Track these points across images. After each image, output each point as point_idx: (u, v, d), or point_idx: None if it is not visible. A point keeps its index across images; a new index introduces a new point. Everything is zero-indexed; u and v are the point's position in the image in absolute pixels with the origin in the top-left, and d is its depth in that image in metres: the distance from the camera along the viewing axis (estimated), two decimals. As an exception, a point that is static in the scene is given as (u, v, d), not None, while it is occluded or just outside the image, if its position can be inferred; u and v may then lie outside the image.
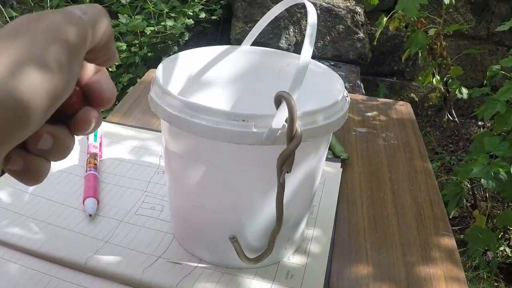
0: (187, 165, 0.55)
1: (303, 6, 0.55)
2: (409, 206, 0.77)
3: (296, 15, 2.40)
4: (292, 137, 0.46)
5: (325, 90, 0.63)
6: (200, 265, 0.61)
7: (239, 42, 0.68)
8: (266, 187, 0.54)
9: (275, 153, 0.48)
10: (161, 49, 2.27)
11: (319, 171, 0.60)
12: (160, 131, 0.89)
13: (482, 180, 1.39)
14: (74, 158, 0.81)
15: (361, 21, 2.43)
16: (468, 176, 1.56)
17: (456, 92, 1.84)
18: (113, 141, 0.87)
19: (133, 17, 2.20)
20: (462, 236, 1.81)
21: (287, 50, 2.39)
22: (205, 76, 0.70)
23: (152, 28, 2.16)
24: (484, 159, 1.44)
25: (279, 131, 0.48)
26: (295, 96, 0.47)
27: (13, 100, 0.25)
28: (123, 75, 2.18)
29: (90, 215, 0.67)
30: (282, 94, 0.47)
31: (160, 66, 0.60)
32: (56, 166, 0.78)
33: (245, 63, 0.71)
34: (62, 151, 0.32)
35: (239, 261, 0.58)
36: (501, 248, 1.83)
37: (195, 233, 0.61)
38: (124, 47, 2.16)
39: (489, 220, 1.86)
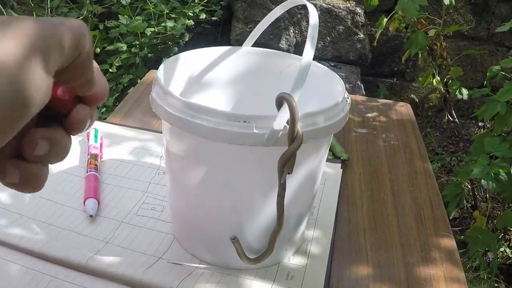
0: (188, 166, 0.56)
1: (304, 7, 0.55)
2: (409, 207, 0.77)
3: (296, 16, 2.40)
4: (293, 138, 0.47)
5: (325, 91, 0.63)
6: (200, 266, 0.61)
7: (239, 43, 0.68)
8: (266, 188, 0.54)
9: (276, 154, 0.48)
10: (162, 50, 2.27)
11: (319, 172, 0.60)
12: (160, 132, 0.90)
13: (482, 181, 1.39)
14: (75, 159, 0.81)
15: (361, 22, 2.43)
16: (468, 177, 1.56)
17: (456, 93, 1.84)
18: (114, 142, 0.87)
19: (133, 18, 2.20)
20: (462, 237, 1.81)
21: (288, 51, 2.39)
22: (206, 77, 0.70)
23: (152, 29, 2.16)
24: (484, 160, 1.44)
25: (280, 133, 0.48)
26: (296, 97, 0.47)
27: (22, 96, 0.24)
28: (123, 76, 2.18)
29: (91, 216, 0.67)
30: (284, 96, 0.47)
31: (161, 67, 0.60)
32: (57, 167, 0.78)
33: (246, 64, 0.71)
34: (60, 153, 0.31)
35: (239, 262, 0.58)
36: (502, 249, 1.83)
37: (196, 234, 0.61)
38: (125, 48, 2.16)
39: (490, 221, 1.87)
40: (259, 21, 0.66)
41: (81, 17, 2.18)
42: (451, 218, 1.96)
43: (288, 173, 0.48)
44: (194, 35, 2.44)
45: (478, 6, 2.53)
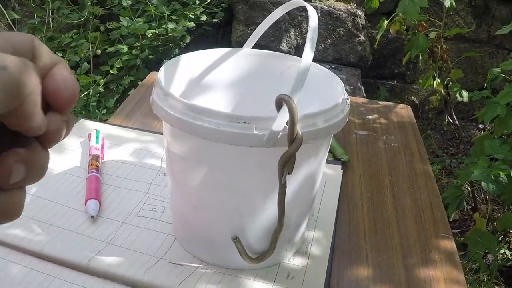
0: (189, 167, 0.56)
1: (304, 9, 0.56)
2: (409, 208, 0.78)
3: (297, 18, 2.41)
4: (293, 139, 0.47)
5: (325, 92, 0.63)
6: (201, 266, 0.61)
7: (240, 44, 0.68)
8: (267, 189, 0.54)
9: (276, 155, 0.49)
10: (162, 51, 2.27)
11: (319, 173, 0.61)
12: (161, 133, 0.90)
13: (483, 183, 1.39)
14: (76, 159, 0.81)
15: (361, 24, 2.43)
16: (469, 179, 1.56)
17: (457, 95, 1.84)
18: (115, 143, 0.87)
19: (134, 19, 2.20)
20: (462, 239, 1.81)
21: (288, 53, 2.39)
22: (207, 79, 0.70)
23: (153, 31, 2.17)
24: (485, 162, 1.44)
25: (280, 134, 0.48)
26: (296, 99, 0.47)
27: None
28: (124, 77, 2.18)
29: (92, 217, 0.67)
30: (283, 97, 0.47)
31: (162, 68, 0.60)
32: (58, 167, 0.78)
33: (247, 65, 0.71)
34: (38, 174, 0.27)
35: (240, 262, 0.59)
36: (501, 251, 1.83)
37: (197, 234, 0.62)
38: (126, 49, 2.17)
39: (489, 223, 1.87)
40: (260, 23, 0.66)
41: (82, 19, 2.18)
42: (451, 220, 1.97)
43: (288, 174, 0.49)
44: (195, 37, 2.44)
45: (479, 9, 2.53)
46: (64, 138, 0.29)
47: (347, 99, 0.58)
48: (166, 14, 2.21)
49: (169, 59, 0.62)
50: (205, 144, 0.52)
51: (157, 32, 2.18)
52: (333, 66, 2.43)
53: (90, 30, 2.18)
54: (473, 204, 2.01)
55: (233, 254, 0.58)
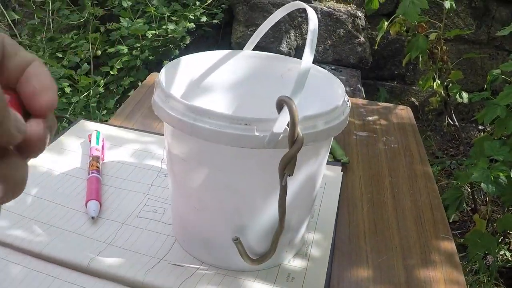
0: (190, 168, 0.56)
1: (304, 10, 0.55)
2: (409, 209, 0.78)
3: (297, 19, 2.41)
4: (294, 141, 0.47)
5: (326, 94, 0.63)
6: (201, 267, 0.61)
7: (240, 46, 0.68)
8: (268, 190, 0.55)
9: (277, 157, 0.49)
10: (162, 52, 2.27)
11: (320, 175, 0.61)
12: (162, 135, 0.90)
13: (482, 184, 1.39)
14: (77, 160, 0.81)
15: (361, 26, 2.43)
16: (468, 180, 1.56)
17: (457, 96, 1.84)
18: (115, 144, 0.87)
19: (134, 20, 2.21)
20: (462, 240, 1.81)
21: (288, 54, 2.40)
22: (207, 80, 0.70)
23: (153, 32, 2.17)
24: (484, 164, 1.44)
25: (281, 135, 0.48)
26: (296, 101, 0.47)
27: None
28: (124, 78, 2.18)
29: (93, 218, 0.67)
30: (284, 99, 0.47)
31: (163, 70, 0.60)
32: (58, 168, 0.78)
33: (247, 67, 0.72)
34: (16, 190, 0.24)
35: (240, 264, 0.59)
36: (501, 252, 1.83)
37: (197, 235, 0.62)
38: (126, 50, 2.17)
39: (489, 224, 1.87)
40: (260, 24, 0.66)
41: (82, 19, 2.19)
42: (451, 221, 1.97)
43: (289, 175, 0.49)
44: (195, 38, 2.44)
45: (479, 10, 2.54)
46: (48, 145, 0.26)
47: (348, 101, 0.58)
48: (166, 15, 2.21)
49: (169, 60, 0.62)
50: (206, 146, 0.52)
51: (157, 33, 2.18)
52: (333, 67, 2.43)
53: (90, 31, 2.18)
54: (473, 206, 2.01)
55: (233, 255, 0.58)
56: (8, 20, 2.15)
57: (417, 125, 1.08)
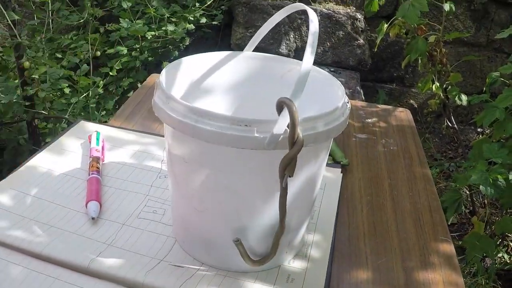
0: (191, 169, 0.56)
1: (304, 12, 0.56)
2: (408, 211, 0.78)
3: (296, 21, 2.41)
4: (294, 142, 0.47)
5: (326, 96, 0.64)
6: (201, 268, 0.61)
7: (239, 47, 0.69)
8: (268, 191, 0.55)
9: (277, 158, 0.49)
10: (162, 53, 2.27)
11: (319, 176, 0.61)
12: (162, 136, 0.90)
13: (481, 186, 1.39)
14: (77, 161, 0.81)
15: (361, 28, 2.44)
16: (467, 183, 1.56)
17: (456, 99, 1.84)
18: (115, 145, 0.87)
19: (134, 21, 2.21)
20: (460, 242, 1.81)
21: (288, 55, 2.40)
22: (208, 82, 0.70)
23: (153, 33, 2.17)
24: (483, 166, 1.44)
25: (281, 137, 0.49)
26: (296, 102, 0.48)
27: None
28: (123, 79, 2.18)
29: (93, 218, 0.68)
30: (284, 101, 0.47)
31: (163, 71, 0.61)
32: (58, 169, 0.78)
33: (247, 69, 0.72)
34: None
35: (240, 265, 0.59)
36: (499, 255, 1.84)
37: (197, 236, 0.62)
38: (125, 51, 2.17)
39: (488, 227, 1.87)
40: (260, 26, 0.67)
41: (82, 20, 2.18)
42: (449, 223, 1.97)
43: (289, 177, 0.49)
44: (194, 39, 2.44)
45: (478, 13, 2.54)
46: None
47: (347, 102, 0.58)
48: (166, 16, 2.21)
49: (168, 61, 0.63)
50: (207, 147, 0.52)
51: (156, 34, 2.18)
52: (332, 69, 2.43)
53: (90, 32, 2.18)
54: (471, 208, 2.01)
55: (234, 256, 0.58)
56: (7, 21, 2.15)
57: (416, 128, 1.08)
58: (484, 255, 1.71)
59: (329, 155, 0.87)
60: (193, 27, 2.27)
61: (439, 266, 0.67)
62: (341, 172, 0.85)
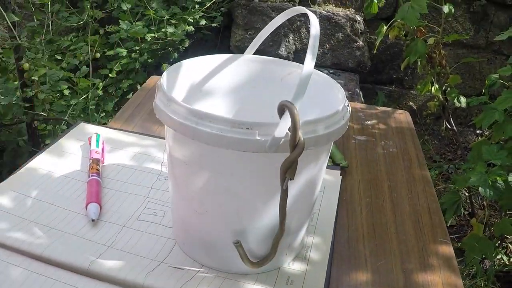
0: (191, 171, 0.56)
1: (303, 14, 0.56)
2: (408, 213, 0.78)
3: (296, 23, 2.41)
4: (295, 145, 0.47)
5: (326, 99, 0.64)
6: (201, 270, 0.62)
7: (239, 49, 0.69)
8: (269, 194, 0.55)
9: (278, 161, 0.49)
10: (161, 55, 2.27)
11: (320, 179, 0.61)
12: (161, 138, 0.91)
13: (480, 188, 1.39)
14: (77, 163, 0.82)
15: (360, 30, 2.44)
16: (466, 185, 1.56)
17: (455, 101, 1.84)
18: (115, 147, 0.87)
19: (133, 23, 2.21)
20: (459, 244, 1.81)
21: (287, 58, 2.40)
22: (208, 84, 0.71)
23: (152, 35, 2.17)
24: (482, 168, 1.44)
25: (282, 140, 0.49)
26: (297, 106, 0.48)
27: None
28: (123, 81, 2.18)
29: (93, 220, 0.68)
30: (286, 104, 0.48)
31: (164, 74, 0.61)
32: (58, 171, 0.79)
33: (248, 71, 0.72)
34: None
35: (240, 267, 0.59)
36: (498, 256, 1.84)
37: (197, 238, 0.62)
38: (125, 53, 2.17)
39: (487, 229, 1.87)
40: (259, 28, 0.67)
41: (81, 22, 2.19)
42: (448, 225, 1.97)
43: (290, 179, 0.49)
44: (194, 41, 2.44)
45: (477, 15, 2.55)
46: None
47: (348, 106, 0.58)
48: (165, 18, 2.21)
49: (168, 63, 0.63)
50: (208, 149, 0.52)
51: (156, 36, 2.18)
52: (331, 71, 2.44)
53: (90, 33, 2.18)
54: (470, 210, 2.02)
55: (233, 258, 0.58)
56: (7, 22, 2.15)
57: (415, 129, 1.08)
58: (483, 257, 1.72)
59: (329, 157, 0.88)
60: (193, 29, 2.27)
61: (438, 268, 0.67)
62: (341, 174, 0.86)
